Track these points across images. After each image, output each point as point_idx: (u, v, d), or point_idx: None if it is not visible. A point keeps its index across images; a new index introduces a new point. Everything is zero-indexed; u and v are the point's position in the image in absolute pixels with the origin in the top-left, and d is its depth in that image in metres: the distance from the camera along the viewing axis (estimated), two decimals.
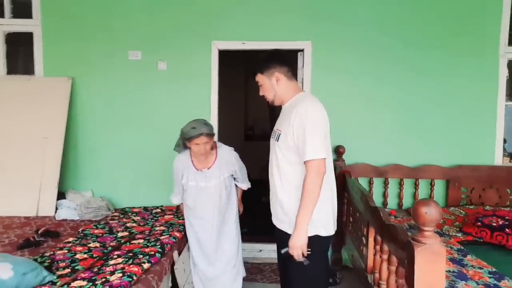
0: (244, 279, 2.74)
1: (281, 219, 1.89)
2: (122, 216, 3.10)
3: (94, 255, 2.23)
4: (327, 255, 1.94)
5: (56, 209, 3.18)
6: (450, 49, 3.33)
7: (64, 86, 3.39)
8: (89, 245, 2.41)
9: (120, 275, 1.92)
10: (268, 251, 3.61)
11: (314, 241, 1.75)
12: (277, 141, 1.86)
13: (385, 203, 3.39)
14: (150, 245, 2.41)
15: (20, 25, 3.47)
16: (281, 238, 1.86)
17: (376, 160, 3.40)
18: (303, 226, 1.70)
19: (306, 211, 1.69)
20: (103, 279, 1.88)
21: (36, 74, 3.46)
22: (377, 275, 1.91)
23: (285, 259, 1.81)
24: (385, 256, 1.77)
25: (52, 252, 2.27)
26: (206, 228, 2.53)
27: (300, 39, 3.38)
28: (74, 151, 3.51)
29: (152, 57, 3.43)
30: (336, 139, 3.37)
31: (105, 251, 2.31)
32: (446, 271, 2.06)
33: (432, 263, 1.29)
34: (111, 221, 2.94)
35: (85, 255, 2.23)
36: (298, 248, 1.70)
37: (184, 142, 2.38)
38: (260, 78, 1.94)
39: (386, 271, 1.74)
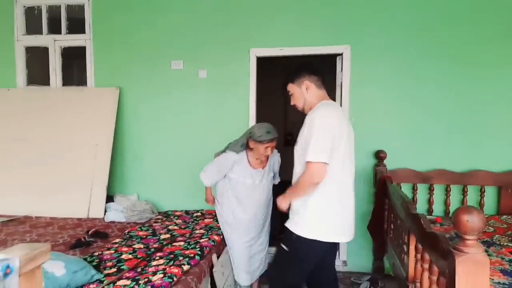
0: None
1: (291, 219, 2.03)
2: (165, 219, 3.23)
3: (138, 256, 2.34)
4: (317, 260, 2.03)
5: (105, 211, 3.38)
6: (505, 45, 3.14)
7: (112, 96, 3.60)
8: (134, 246, 2.54)
9: (162, 275, 2.01)
10: None
11: (307, 242, 1.90)
12: (296, 146, 2.00)
13: (430, 210, 3.26)
14: (190, 247, 2.49)
15: (73, 40, 3.73)
16: (285, 234, 2.04)
17: (420, 165, 3.28)
18: (286, 196, 2.01)
19: (291, 193, 1.99)
20: (146, 279, 1.97)
21: (88, 85, 3.71)
22: (418, 284, 1.84)
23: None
24: (426, 265, 1.71)
25: (100, 252, 2.41)
26: (250, 221, 2.66)
27: (339, 43, 3.35)
28: (121, 157, 3.71)
29: (193, 66, 3.55)
30: (377, 144, 3.31)
31: (148, 252, 2.42)
32: (496, 283, 1.95)
33: (474, 274, 1.23)
34: (154, 224, 3.07)
35: (130, 256, 2.35)
36: (279, 207, 2.04)
37: (250, 143, 2.49)
38: (291, 87, 2.04)
39: (427, 281, 1.67)
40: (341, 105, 3.38)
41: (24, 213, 3.36)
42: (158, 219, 3.24)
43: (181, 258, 2.28)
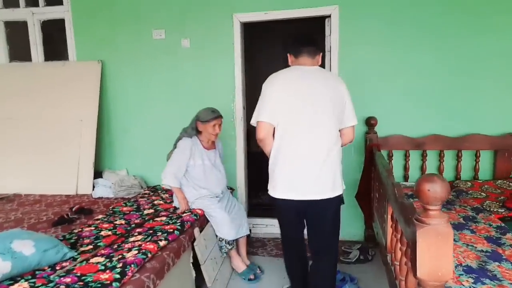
0: (247, 251, 2.99)
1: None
2: (152, 193, 3.20)
3: (118, 232, 2.32)
4: (286, 217, 2.16)
5: (94, 187, 3.36)
6: (503, 3, 2.92)
7: (95, 70, 3.50)
8: (115, 222, 2.52)
9: (136, 252, 1.98)
10: (274, 226, 3.55)
11: (271, 198, 2.10)
12: None
13: None
14: (171, 222, 2.46)
15: (51, 13, 3.60)
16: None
17: (413, 131, 3.15)
18: None
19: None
20: (120, 256, 1.95)
21: (70, 59, 3.61)
22: (393, 255, 1.78)
23: None
24: (398, 235, 1.64)
25: (80, 229, 2.40)
26: (224, 199, 2.84)
27: (326, 4, 3.16)
28: (108, 131, 3.66)
29: (175, 35, 3.41)
30: (367, 110, 3.18)
31: (128, 228, 2.40)
32: (479, 251, 1.87)
33: (435, 245, 1.15)
34: (140, 199, 3.05)
35: (109, 232, 2.33)
36: None
37: (198, 126, 2.69)
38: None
39: (399, 252, 1.60)
40: (330, 69, 3.23)
41: (14, 191, 3.37)
42: (146, 194, 3.22)
43: (159, 233, 2.26)
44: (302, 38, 2.10)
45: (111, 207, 2.85)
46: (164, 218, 2.55)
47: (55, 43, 3.78)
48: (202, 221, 2.66)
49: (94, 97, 3.46)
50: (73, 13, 3.54)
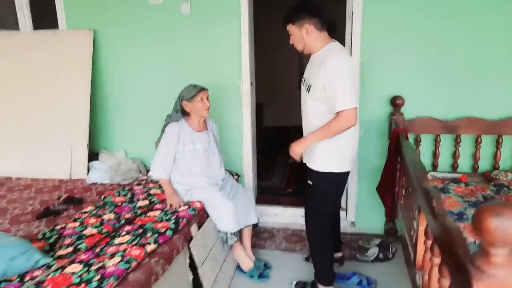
0: (252, 244, 2.74)
1: (310, 159, 2.10)
2: (150, 180, 2.91)
3: (104, 230, 2.05)
4: (340, 188, 2.23)
5: (89, 171, 3.10)
6: None
7: (86, 40, 3.13)
8: (104, 216, 2.25)
9: (119, 259, 1.70)
10: (284, 215, 3.26)
11: (328, 177, 2.06)
12: (308, 92, 2.01)
13: (455, 166, 2.76)
14: (165, 218, 2.17)
15: None
16: (309, 174, 2.14)
17: (445, 113, 2.72)
18: (307, 141, 2.03)
19: (316, 137, 1.99)
20: (100, 264, 1.68)
21: (60, 27, 3.25)
22: (426, 277, 1.44)
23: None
24: (436, 261, 1.29)
25: (64, 225, 2.14)
26: (225, 187, 2.55)
27: None
28: (103, 109, 3.34)
29: None
30: (393, 88, 2.76)
31: (117, 225, 2.12)
32: None
33: None
34: (136, 186, 2.76)
35: (95, 230, 2.06)
36: (294, 152, 2.05)
37: (185, 107, 2.39)
38: (290, 28, 2.00)
39: (436, 282, 1.26)
40: (351, 40, 2.79)
41: (6, 174, 3.14)
42: (143, 180, 2.92)
43: (149, 234, 1.97)
44: (318, 7, 2.01)
45: (102, 197, 2.58)
46: (158, 213, 2.26)
47: (44, 9, 3.40)
48: (201, 216, 2.36)
49: (86, 72, 3.12)
50: None
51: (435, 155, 2.79)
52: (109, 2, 3.11)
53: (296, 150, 2.04)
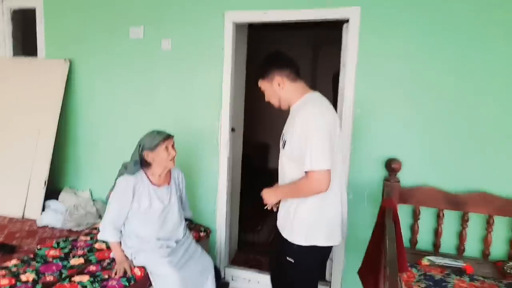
0: None
1: (286, 229, 1.78)
2: None
3: None
4: (321, 265, 1.93)
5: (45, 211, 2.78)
6: None
7: (61, 70, 2.93)
8: (22, 275, 1.89)
9: None
10: (257, 284, 2.79)
11: (309, 251, 1.72)
12: (283, 148, 1.75)
13: (460, 248, 2.27)
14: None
15: (22, 0, 3.08)
16: (281, 244, 1.79)
17: (451, 184, 2.28)
18: (277, 194, 1.79)
19: (283, 193, 1.77)
20: None
21: (38, 56, 3.07)
22: None
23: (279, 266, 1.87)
24: None
25: None
26: (178, 251, 2.13)
27: (344, 5, 2.37)
28: (73, 144, 3.08)
29: (155, 34, 2.76)
30: (387, 148, 2.37)
31: None
32: None
33: None
34: (83, 237, 2.41)
35: None
36: (267, 201, 1.82)
37: (147, 157, 2.05)
38: (262, 84, 1.80)
39: None
40: (343, 92, 2.44)
41: None
42: (95, 229, 2.57)
43: None
44: (286, 57, 1.79)
45: (37, 247, 2.23)
46: (86, 279, 1.88)
47: (28, 37, 3.26)
48: (140, 286, 1.97)
49: (56, 103, 2.89)
50: (44, 2, 3.00)
51: (436, 233, 2.31)
52: (89, 32, 2.93)
53: (269, 200, 1.81)
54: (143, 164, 2.08)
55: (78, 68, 2.98)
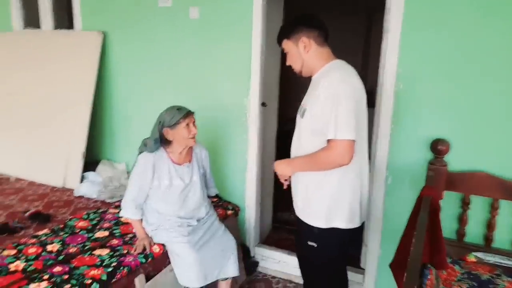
0: None
1: (300, 206, 1.70)
2: None
3: (29, 269, 1.73)
4: (345, 249, 1.78)
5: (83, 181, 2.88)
6: None
7: (95, 43, 2.93)
8: (48, 246, 1.95)
9: None
10: (287, 264, 2.68)
11: (331, 233, 1.62)
12: (302, 117, 1.62)
13: None
14: (107, 262, 1.80)
15: None
16: (299, 228, 1.73)
17: (509, 170, 1.95)
18: (293, 166, 1.66)
19: (298, 164, 1.65)
20: None
21: (76, 28, 3.09)
22: None
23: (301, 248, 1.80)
24: None
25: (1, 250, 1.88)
26: (199, 230, 2.05)
27: None
28: (109, 117, 3.12)
29: (183, 1, 2.63)
30: (434, 128, 2.08)
31: (50, 262, 1.80)
32: None
33: None
34: (112, 210, 2.45)
35: (21, 265, 1.75)
36: (281, 175, 1.70)
37: (167, 135, 1.96)
38: (285, 44, 1.66)
39: None
40: (384, 63, 2.15)
41: (11, 173, 3.07)
42: None
43: (70, 284, 1.61)
44: (317, 19, 1.64)
45: (68, 218, 2.30)
46: (106, 252, 1.90)
47: (67, 9, 3.30)
48: (159, 263, 1.95)
49: (91, 76, 2.91)
50: None
51: (489, 226, 2.02)
52: (120, 3, 2.86)
53: (284, 172, 1.68)
54: (163, 141, 2.00)
55: (111, 40, 2.96)
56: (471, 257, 1.89)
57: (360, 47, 4.79)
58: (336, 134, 1.44)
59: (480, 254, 1.90)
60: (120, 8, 2.88)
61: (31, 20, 3.38)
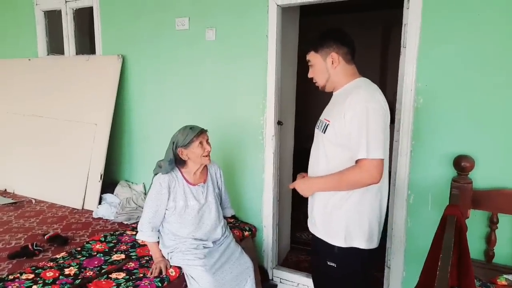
0: None
1: (319, 224, 1.64)
2: None
3: None
4: (365, 270, 1.68)
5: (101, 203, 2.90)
6: None
7: (114, 66, 3.00)
8: (66, 269, 1.95)
9: None
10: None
11: (351, 253, 1.57)
12: (324, 133, 1.58)
13: None
14: (122, 286, 1.78)
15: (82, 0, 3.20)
16: (317, 248, 1.66)
17: None
18: (314, 187, 1.63)
19: (323, 183, 1.60)
20: None
21: (96, 53, 3.18)
22: None
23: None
24: None
25: (19, 274, 1.88)
26: (215, 253, 2.03)
27: None
28: (128, 138, 3.16)
29: (199, 24, 2.67)
30: (457, 144, 2.00)
31: (66, 287, 1.79)
32: None
33: None
34: (129, 231, 2.45)
35: None
36: (305, 195, 1.68)
37: (181, 155, 1.97)
38: (312, 56, 1.63)
39: None
40: (402, 78, 2.11)
41: (32, 195, 3.13)
42: None
43: None
44: (348, 36, 1.62)
45: (86, 241, 2.31)
46: (122, 275, 1.88)
47: (89, 35, 3.41)
48: (175, 286, 1.91)
49: (110, 98, 2.97)
50: (100, 0, 3.08)
51: None
52: (139, 27, 2.94)
53: (307, 194, 1.67)
54: (178, 162, 2.00)
55: (130, 63, 3.03)
56: (502, 280, 1.78)
57: (377, 62, 4.76)
58: (368, 153, 1.43)
59: (511, 277, 1.79)
60: (138, 33, 2.95)
61: (55, 46, 3.51)
